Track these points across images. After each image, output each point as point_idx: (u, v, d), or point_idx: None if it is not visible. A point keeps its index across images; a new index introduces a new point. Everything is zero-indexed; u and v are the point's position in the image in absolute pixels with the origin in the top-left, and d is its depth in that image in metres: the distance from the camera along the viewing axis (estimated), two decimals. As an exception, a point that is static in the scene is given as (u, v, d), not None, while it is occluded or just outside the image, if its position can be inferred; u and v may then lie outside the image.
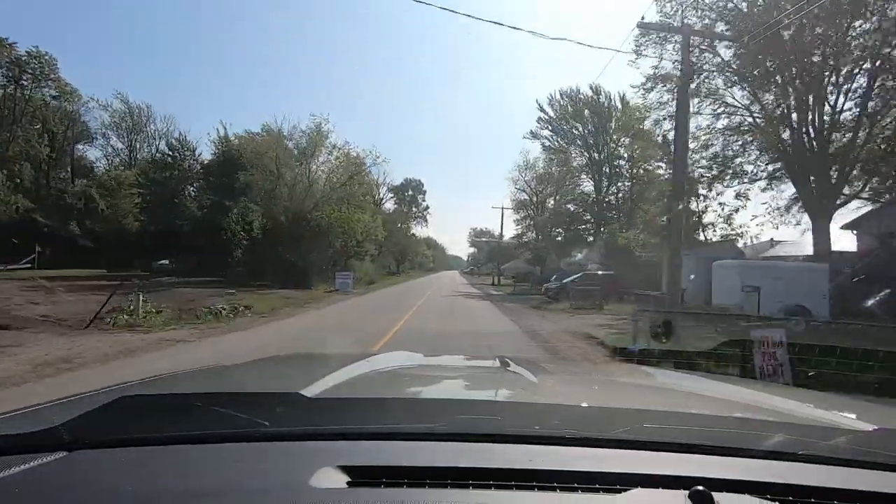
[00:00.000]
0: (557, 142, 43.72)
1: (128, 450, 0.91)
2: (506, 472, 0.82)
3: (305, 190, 31.62)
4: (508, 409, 1.21)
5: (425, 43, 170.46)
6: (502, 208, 50.80)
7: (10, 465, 0.83)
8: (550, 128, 43.30)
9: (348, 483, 0.80)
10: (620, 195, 43.99)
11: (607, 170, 43.29)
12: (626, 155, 42.52)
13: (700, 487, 0.76)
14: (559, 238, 45.54)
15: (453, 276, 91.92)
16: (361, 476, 0.81)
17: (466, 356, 3.38)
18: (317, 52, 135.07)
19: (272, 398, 1.14)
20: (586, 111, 42.55)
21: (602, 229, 41.90)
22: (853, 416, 1.21)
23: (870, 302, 12.07)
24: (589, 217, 44.44)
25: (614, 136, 42.65)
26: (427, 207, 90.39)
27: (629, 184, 43.92)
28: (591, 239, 43.63)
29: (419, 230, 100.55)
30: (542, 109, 42.90)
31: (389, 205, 75.58)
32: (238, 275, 31.77)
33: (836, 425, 1.12)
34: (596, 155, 43.17)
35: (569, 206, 44.72)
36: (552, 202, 63.58)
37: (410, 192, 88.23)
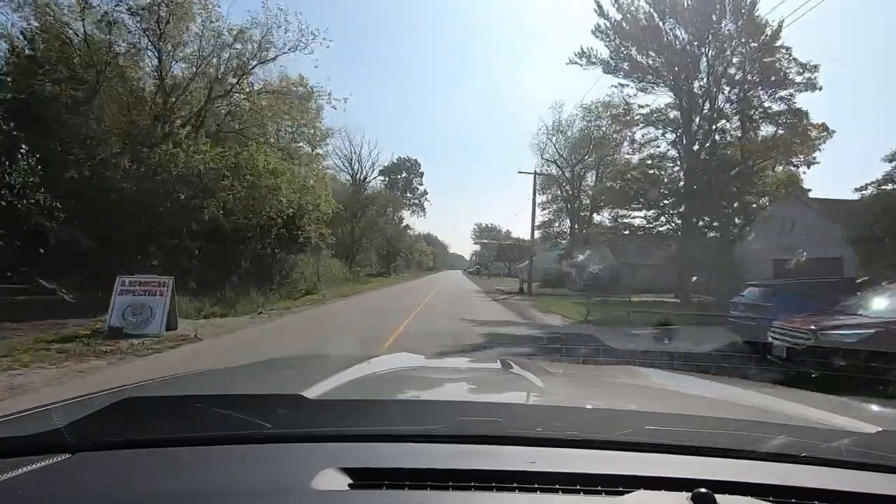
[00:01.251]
0: (628, 60, 27.12)
1: (130, 452, 0.91)
2: (507, 474, 0.81)
3: (152, 103, 15.39)
4: (510, 410, 1.18)
5: (425, 36, 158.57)
6: (535, 173, 34.35)
7: (13, 467, 0.82)
8: (615, 40, 26.80)
9: (350, 485, 0.79)
10: (718, 153, 27.50)
11: (707, 108, 26.90)
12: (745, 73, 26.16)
13: (703, 489, 0.75)
14: (639, 219, 28.91)
15: (457, 277, 75.64)
16: (363, 478, 0.80)
17: (469, 358, 3.00)
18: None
19: (274, 400, 1.13)
20: (668, 23, 26.20)
21: (684, 213, 25.63)
22: (856, 418, 1.18)
23: None
24: (668, 185, 28.03)
25: (732, 47, 26.17)
26: (425, 192, 73.86)
27: (736, 135, 27.56)
28: (678, 221, 27.35)
29: (417, 223, 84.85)
30: (600, 11, 26.44)
31: (378, 188, 58.72)
32: (40, 272, 16.04)
33: (838, 427, 1.11)
34: (694, 84, 26.68)
35: (650, 170, 28.18)
36: (591, 178, 47.09)
37: (404, 174, 71.86)
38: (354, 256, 44.45)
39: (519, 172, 40.37)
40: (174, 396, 1.26)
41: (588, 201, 45.14)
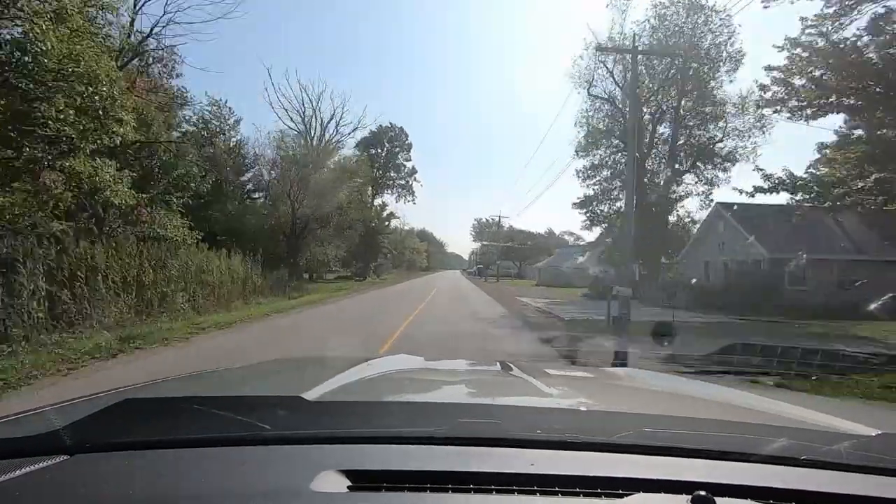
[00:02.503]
0: None
1: (129, 453, 0.90)
2: (507, 477, 0.82)
3: None
4: (510, 412, 1.18)
5: (427, 34, 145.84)
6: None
7: (11, 468, 0.82)
8: None
9: (349, 487, 0.79)
10: None
11: None
12: None
13: (702, 492, 0.75)
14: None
15: (456, 279, 59.56)
16: (362, 480, 0.81)
17: (469, 360, 2.99)
18: (316, 14, 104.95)
19: (274, 402, 1.14)
20: None
21: None
22: (856, 421, 1.17)
23: None
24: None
25: None
26: (414, 171, 57.22)
27: None
28: None
29: (408, 214, 69.00)
30: None
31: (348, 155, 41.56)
32: None
33: (838, 430, 1.10)
34: None
35: None
36: (666, 128, 30.78)
37: (387, 146, 55.34)
38: (297, 252, 28.28)
39: (598, 49, 22.68)
40: (173, 398, 1.25)
41: (667, 156, 28.88)
